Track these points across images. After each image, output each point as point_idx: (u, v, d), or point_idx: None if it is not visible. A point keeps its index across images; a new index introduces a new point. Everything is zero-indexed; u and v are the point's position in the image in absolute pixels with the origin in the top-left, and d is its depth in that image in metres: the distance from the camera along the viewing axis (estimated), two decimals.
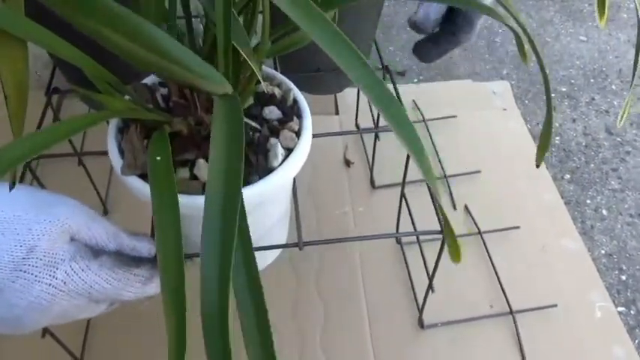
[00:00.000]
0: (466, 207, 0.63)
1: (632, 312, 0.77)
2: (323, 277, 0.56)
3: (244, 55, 0.25)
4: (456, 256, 0.26)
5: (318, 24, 0.23)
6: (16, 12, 0.24)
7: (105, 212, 0.59)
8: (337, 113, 0.74)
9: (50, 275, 0.29)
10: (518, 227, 0.61)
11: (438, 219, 0.39)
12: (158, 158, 0.27)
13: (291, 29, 0.35)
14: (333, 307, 0.53)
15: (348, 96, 0.73)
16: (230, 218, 0.21)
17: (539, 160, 0.35)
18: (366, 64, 0.23)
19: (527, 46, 0.32)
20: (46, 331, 0.40)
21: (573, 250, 0.59)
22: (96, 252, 0.32)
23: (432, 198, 0.41)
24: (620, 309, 0.77)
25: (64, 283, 0.29)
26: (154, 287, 0.34)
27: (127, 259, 0.33)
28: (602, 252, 0.85)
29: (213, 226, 0.21)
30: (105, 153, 0.68)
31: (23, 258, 0.28)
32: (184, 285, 0.23)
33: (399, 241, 0.59)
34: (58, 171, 0.62)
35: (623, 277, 0.81)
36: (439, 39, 0.52)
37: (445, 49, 0.53)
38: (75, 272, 0.29)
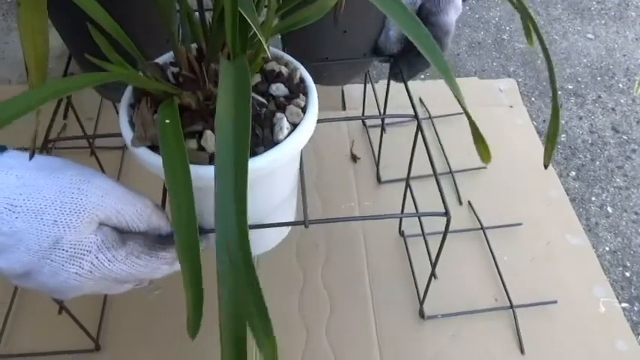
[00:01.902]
0: (469, 203, 0.63)
1: (635, 308, 0.77)
2: (328, 269, 0.57)
3: (252, 25, 0.25)
4: (485, 155, 0.28)
5: None
6: None
7: None
8: (344, 108, 0.75)
9: (77, 265, 0.30)
10: (521, 224, 0.61)
11: (443, 201, 0.40)
12: (167, 121, 0.28)
13: (298, 6, 0.35)
14: (339, 298, 0.54)
15: (355, 91, 0.74)
16: (241, 177, 0.22)
17: (546, 160, 0.36)
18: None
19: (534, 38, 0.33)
20: (62, 309, 0.41)
21: (578, 246, 0.60)
22: (123, 237, 0.32)
23: (436, 181, 0.42)
24: (624, 305, 0.77)
25: (91, 272, 0.30)
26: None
27: (153, 242, 0.34)
28: (607, 249, 0.85)
29: (226, 186, 0.22)
30: (115, 147, 0.69)
31: (50, 248, 0.29)
32: (199, 249, 0.24)
33: (402, 234, 0.60)
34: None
35: (627, 274, 0.81)
36: (408, 59, 0.51)
37: (417, 69, 0.52)
38: (101, 263, 0.30)
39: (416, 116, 0.47)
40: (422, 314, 0.53)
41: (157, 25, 0.47)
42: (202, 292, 0.24)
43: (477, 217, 0.62)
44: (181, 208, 0.25)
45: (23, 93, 0.25)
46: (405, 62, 0.51)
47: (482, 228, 0.60)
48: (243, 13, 0.26)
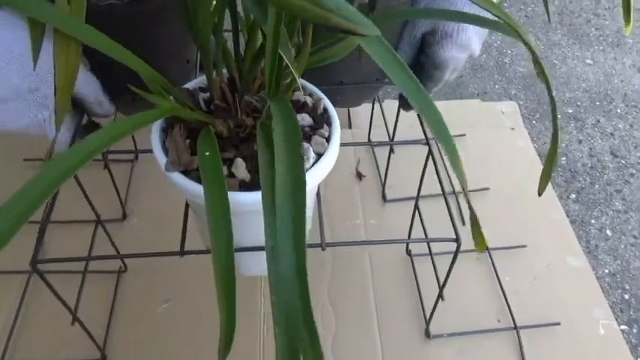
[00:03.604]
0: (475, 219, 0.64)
1: (634, 330, 0.78)
2: (334, 285, 0.57)
3: (289, 63, 0.27)
4: (480, 245, 0.29)
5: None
6: (78, 19, 0.27)
7: (124, 216, 0.61)
8: (350, 127, 0.76)
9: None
10: (524, 246, 0.62)
11: (454, 226, 0.41)
12: (207, 153, 0.30)
13: (327, 44, 0.37)
14: (345, 315, 0.55)
15: (362, 111, 0.76)
16: (299, 216, 0.23)
17: (541, 188, 0.36)
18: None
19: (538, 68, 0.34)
20: (75, 320, 0.42)
21: (578, 268, 0.61)
22: None
23: (447, 209, 0.43)
24: (623, 327, 0.78)
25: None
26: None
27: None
28: (606, 271, 0.86)
29: (284, 223, 0.23)
30: (126, 160, 0.70)
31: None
32: (234, 272, 0.24)
33: (409, 253, 0.60)
34: (80, 173, 0.65)
35: (626, 297, 0.82)
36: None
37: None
38: None
39: (427, 142, 0.48)
40: (427, 334, 0.53)
41: (177, 48, 0.49)
42: (235, 317, 0.24)
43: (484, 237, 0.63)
44: (220, 240, 0.26)
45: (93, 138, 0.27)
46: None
47: (487, 249, 0.61)
48: (282, 55, 0.28)
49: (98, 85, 0.44)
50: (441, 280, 0.46)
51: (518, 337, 0.53)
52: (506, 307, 0.56)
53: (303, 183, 0.24)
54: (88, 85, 0.42)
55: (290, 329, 0.21)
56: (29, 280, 0.54)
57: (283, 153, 0.25)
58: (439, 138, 0.26)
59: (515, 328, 0.54)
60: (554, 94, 0.32)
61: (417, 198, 0.55)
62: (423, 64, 0.48)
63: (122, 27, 0.44)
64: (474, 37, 0.46)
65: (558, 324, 0.55)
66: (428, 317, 0.53)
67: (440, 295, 0.48)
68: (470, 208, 0.26)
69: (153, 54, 0.45)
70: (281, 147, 0.25)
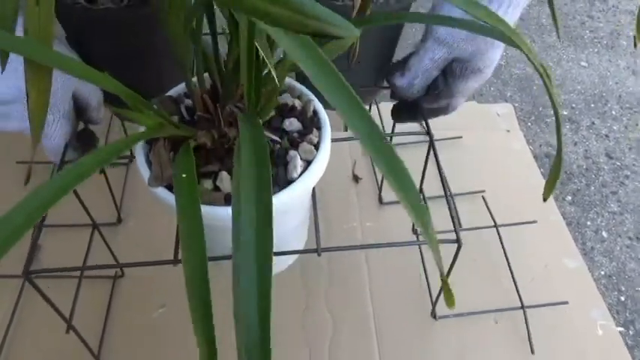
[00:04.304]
0: (484, 198, 0.65)
1: (630, 332, 0.78)
2: (332, 288, 0.57)
3: (269, 65, 0.27)
4: (450, 302, 0.28)
5: (316, 64, 0.23)
6: (43, 44, 0.27)
7: (119, 220, 0.61)
8: (346, 130, 0.76)
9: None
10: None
11: (455, 229, 0.41)
12: (184, 175, 0.28)
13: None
14: (342, 318, 0.54)
15: None
16: (265, 231, 0.23)
17: (546, 193, 0.36)
18: (367, 115, 0.23)
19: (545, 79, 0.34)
20: (69, 328, 0.42)
21: (575, 269, 0.61)
22: None
23: (449, 210, 0.43)
24: (619, 329, 0.78)
25: None
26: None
27: None
28: (602, 273, 0.86)
29: (247, 239, 0.22)
30: (121, 163, 0.69)
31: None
32: (209, 290, 0.24)
33: (416, 234, 0.60)
34: None
35: (622, 298, 0.82)
36: (416, 109, 0.50)
37: (434, 115, 0.50)
38: None
39: (429, 133, 0.47)
40: (434, 315, 0.54)
41: (168, 55, 0.49)
42: (214, 335, 0.23)
43: (492, 216, 0.63)
44: (193, 260, 0.25)
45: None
46: (423, 109, 0.50)
47: (495, 225, 0.62)
48: (263, 56, 0.27)
49: (100, 90, 0.43)
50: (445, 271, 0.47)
51: (525, 318, 0.54)
52: (515, 287, 0.56)
53: (270, 214, 0.23)
54: (93, 91, 0.42)
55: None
56: (24, 284, 0.53)
57: (249, 183, 0.24)
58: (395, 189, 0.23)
59: (522, 307, 0.55)
60: (555, 99, 0.32)
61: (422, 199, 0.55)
62: (438, 86, 0.48)
63: (118, 31, 0.43)
64: (493, 67, 0.46)
65: (566, 303, 0.56)
66: (434, 299, 0.53)
67: (444, 282, 0.49)
68: (440, 269, 0.24)
69: (149, 57, 0.45)
70: (246, 176, 0.24)
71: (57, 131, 0.40)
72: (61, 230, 0.58)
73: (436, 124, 0.77)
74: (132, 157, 0.68)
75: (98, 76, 0.30)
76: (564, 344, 0.54)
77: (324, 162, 0.37)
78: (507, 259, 0.59)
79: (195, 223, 0.26)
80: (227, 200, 0.34)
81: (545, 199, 0.36)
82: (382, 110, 0.71)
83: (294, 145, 0.37)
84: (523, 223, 0.64)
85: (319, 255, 0.37)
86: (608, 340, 0.54)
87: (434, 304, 0.53)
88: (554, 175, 0.33)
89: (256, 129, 0.28)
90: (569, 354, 0.53)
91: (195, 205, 0.27)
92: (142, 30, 0.43)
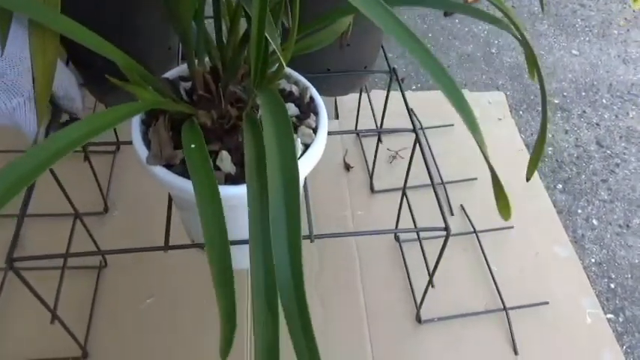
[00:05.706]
0: (462, 207, 0.64)
1: (620, 319, 0.79)
2: (322, 277, 0.57)
3: (275, 48, 0.26)
4: (505, 211, 0.28)
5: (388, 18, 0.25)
6: (53, 8, 0.26)
7: (105, 209, 0.60)
8: (337, 117, 0.75)
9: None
10: (513, 235, 0.62)
11: (443, 216, 0.40)
12: (193, 145, 0.28)
13: (313, 30, 0.36)
14: (333, 305, 0.54)
15: (349, 101, 0.75)
16: (294, 204, 0.23)
17: (529, 173, 0.36)
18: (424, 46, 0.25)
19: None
20: (54, 318, 0.41)
21: (565, 257, 0.61)
22: None
23: (436, 198, 0.42)
24: (609, 316, 0.79)
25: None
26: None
27: None
28: (592, 260, 0.87)
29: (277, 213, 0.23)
30: (108, 151, 0.68)
31: None
32: (231, 266, 0.23)
33: (397, 239, 0.60)
34: (60, 165, 0.63)
35: (612, 285, 0.83)
36: None
37: None
38: None
39: (414, 130, 0.47)
40: (418, 319, 0.53)
41: (159, 35, 0.47)
42: (235, 317, 0.23)
43: (471, 222, 0.63)
44: (214, 235, 0.25)
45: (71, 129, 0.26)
46: None
47: (474, 231, 0.61)
48: (269, 38, 0.27)
49: (73, 80, 0.42)
50: (431, 268, 0.46)
51: (508, 319, 0.54)
52: (495, 293, 0.56)
53: (297, 179, 0.24)
54: (58, 77, 0.40)
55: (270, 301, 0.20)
56: (6, 275, 0.52)
57: (275, 149, 0.24)
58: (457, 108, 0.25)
59: (505, 309, 0.54)
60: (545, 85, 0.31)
61: (404, 188, 0.54)
62: None
63: (102, 13, 0.42)
64: None
65: (547, 303, 0.55)
66: (419, 303, 0.53)
67: (430, 282, 0.48)
68: (490, 169, 0.25)
69: (133, 41, 0.43)
70: (272, 142, 0.24)
71: (32, 118, 0.39)
72: (43, 220, 0.57)
73: (427, 111, 0.77)
74: (118, 145, 0.67)
75: (101, 43, 0.29)
76: (553, 334, 0.54)
77: (322, 145, 0.37)
78: (487, 261, 0.59)
79: (210, 182, 0.27)
80: (227, 180, 0.34)
81: (527, 179, 0.36)
82: (372, 98, 0.70)
83: (294, 129, 0.37)
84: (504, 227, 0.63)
85: (312, 241, 0.37)
86: (596, 328, 0.55)
87: (418, 308, 0.53)
88: (537, 152, 0.33)
89: (274, 95, 0.28)
90: (558, 343, 0.53)
91: (207, 164, 0.28)
92: (125, 12, 0.42)
